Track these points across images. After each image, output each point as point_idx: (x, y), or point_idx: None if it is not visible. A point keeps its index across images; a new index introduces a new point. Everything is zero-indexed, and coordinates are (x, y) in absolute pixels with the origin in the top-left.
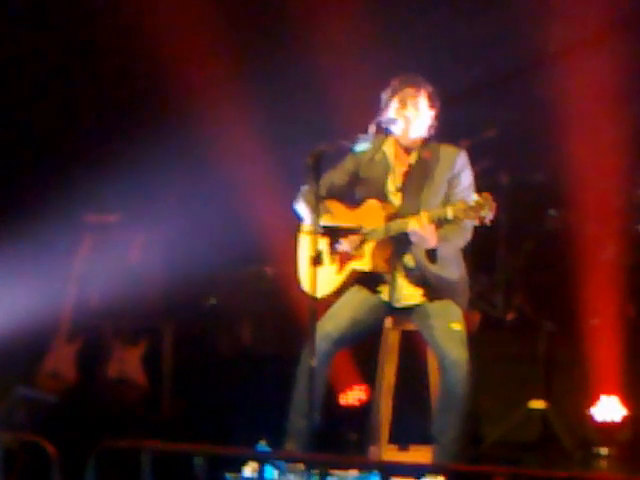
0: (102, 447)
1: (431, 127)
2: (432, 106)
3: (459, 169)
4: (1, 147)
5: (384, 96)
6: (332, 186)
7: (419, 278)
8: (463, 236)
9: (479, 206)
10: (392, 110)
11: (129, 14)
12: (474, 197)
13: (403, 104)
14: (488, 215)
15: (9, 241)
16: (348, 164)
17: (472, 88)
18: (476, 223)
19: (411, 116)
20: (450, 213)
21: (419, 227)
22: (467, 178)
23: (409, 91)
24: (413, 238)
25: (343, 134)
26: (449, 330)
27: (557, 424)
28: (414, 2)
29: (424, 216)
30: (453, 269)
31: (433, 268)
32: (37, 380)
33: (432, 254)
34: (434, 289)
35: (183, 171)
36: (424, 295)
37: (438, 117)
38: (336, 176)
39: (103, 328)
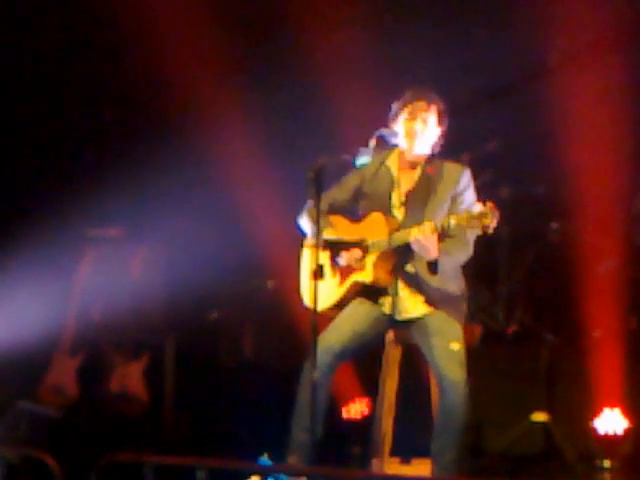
0: (104, 461)
1: (436, 145)
2: (440, 123)
3: (463, 187)
4: (2, 160)
5: (394, 107)
6: (335, 202)
7: (420, 287)
8: (465, 251)
9: (482, 215)
10: (400, 121)
11: (132, 29)
12: (477, 207)
13: (413, 117)
14: (491, 224)
15: (11, 255)
16: (351, 180)
17: (473, 100)
18: (479, 232)
19: (419, 130)
20: (453, 222)
21: (422, 236)
22: (471, 195)
23: (420, 105)
24: (415, 247)
25: (344, 148)
26: (448, 350)
27: (559, 436)
28: (414, 15)
29: (427, 225)
30: (453, 284)
31: (433, 281)
32: (39, 394)
33: (433, 267)
34: (434, 301)
35: (185, 185)
36: (425, 305)
37: (444, 136)
38: (339, 192)
39: (105, 342)
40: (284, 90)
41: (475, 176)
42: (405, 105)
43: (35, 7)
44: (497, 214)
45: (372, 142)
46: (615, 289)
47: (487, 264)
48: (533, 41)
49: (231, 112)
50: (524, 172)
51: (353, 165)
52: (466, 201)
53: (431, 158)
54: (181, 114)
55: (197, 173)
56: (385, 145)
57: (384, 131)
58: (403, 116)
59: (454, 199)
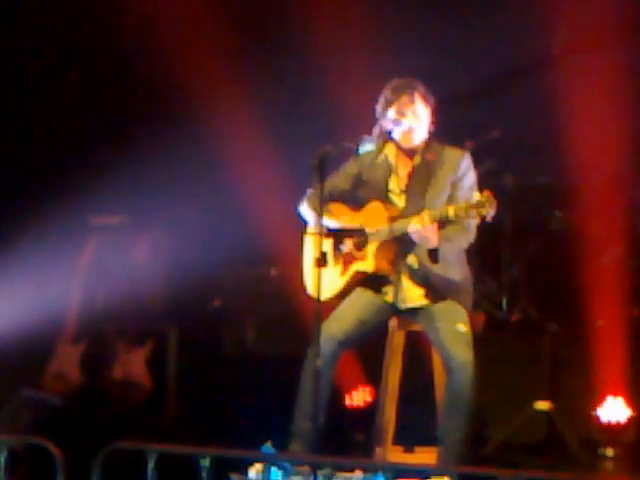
0: (107, 449)
1: (430, 124)
2: (427, 104)
3: (463, 171)
4: (5, 149)
5: (378, 107)
6: (335, 189)
7: (423, 279)
8: (466, 237)
9: (480, 204)
10: (390, 119)
11: (137, 18)
12: (475, 196)
13: (402, 114)
14: (489, 213)
15: (14, 243)
16: (350, 168)
17: (476, 89)
18: (477, 221)
19: (412, 125)
20: (451, 212)
21: (421, 226)
22: (470, 179)
23: (405, 99)
24: (415, 237)
25: (348, 136)
26: (455, 331)
27: (562, 425)
28: (418, 4)
29: (426, 215)
30: (456, 270)
31: (436, 269)
32: (42, 382)
33: (435, 255)
34: (438, 290)
35: (188, 173)
36: (428, 296)
37: (434, 112)
38: (338, 180)
39: (108, 330)
40: (288, 77)
41: (478, 164)
42: (390, 104)
43: (37, 5)
44: (495, 203)
45: (375, 130)
46: (618, 278)
47: (490, 252)
48: (537, 30)
49: (235, 100)
50: (527, 161)
51: (356, 153)
52: (466, 185)
53: (430, 143)
54: (184, 101)
55: (200, 161)
56: (386, 135)
57: (387, 120)
58: (391, 114)
59: (454, 184)
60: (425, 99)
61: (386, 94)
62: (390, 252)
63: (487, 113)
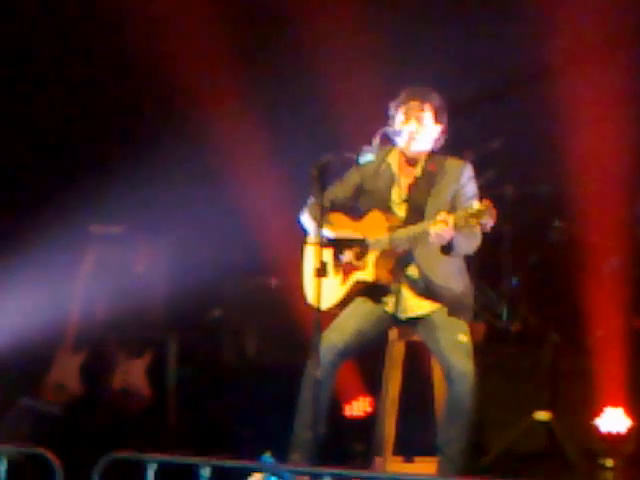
0: (107, 458)
1: (437, 140)
2: (438, 121)
3: (464, 182)
4: (5, 157)
5: (392, 106)
6: (336, 199)
7: (423, 289)
8: (476, 239)
9: (480, 213)
10: (397, 122)
11: (137, 24)
12: (475, 204)
13: (407, 117)
14: (489, 222)
15: (14, 251)
16: (352, 177)
17: (477, 99)
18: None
19: (414, 130)
20: (451, 221)
21: (446, 227)
22: (471, 189)
23: (414, 105)
24: (434, 240)
25: (348, 145)
26: (455, 342)
27: (562, 435)
28: (419, 13)
29: (450, 219)
30: (457, 281)
31: (437, 280)
32: (42, 391)
33: (448, 247)
34: (439, 301)
35: (188, 183)
36: (429, 307)
37: (445, 131)
38: (340, 189)
39: (108, 339)
40: (288, 87)
41: (479, 175)
42: (399, 106)
43: (40, 10)
44: (494, 212)
45: (375, 140)
46: (618, 288)
47: (491, 262)
48: (538, 40)
49: (235, 110)
50: (528, 170)
51: (356, 163)
52: (466, 194)
53: (432, 154)
54: (186, 111)
55: (201, 171)
56: (389, 143)
57: (388, 129)
58: (399, 117)
59: (455, 194)
60: (436, 112)
61: (401, 95)
62: (390, 262)
63: (487, 123)
